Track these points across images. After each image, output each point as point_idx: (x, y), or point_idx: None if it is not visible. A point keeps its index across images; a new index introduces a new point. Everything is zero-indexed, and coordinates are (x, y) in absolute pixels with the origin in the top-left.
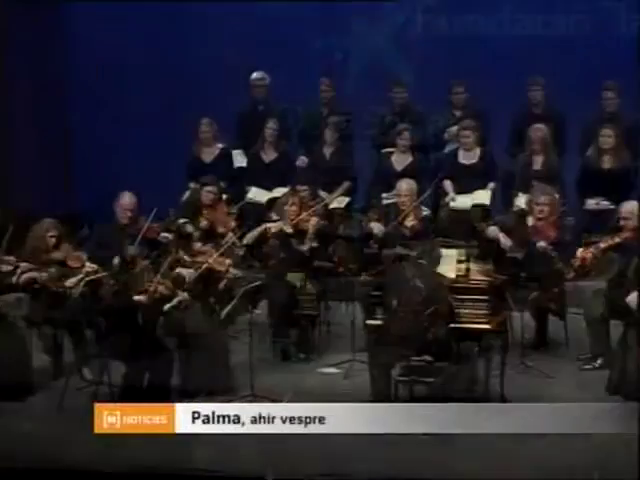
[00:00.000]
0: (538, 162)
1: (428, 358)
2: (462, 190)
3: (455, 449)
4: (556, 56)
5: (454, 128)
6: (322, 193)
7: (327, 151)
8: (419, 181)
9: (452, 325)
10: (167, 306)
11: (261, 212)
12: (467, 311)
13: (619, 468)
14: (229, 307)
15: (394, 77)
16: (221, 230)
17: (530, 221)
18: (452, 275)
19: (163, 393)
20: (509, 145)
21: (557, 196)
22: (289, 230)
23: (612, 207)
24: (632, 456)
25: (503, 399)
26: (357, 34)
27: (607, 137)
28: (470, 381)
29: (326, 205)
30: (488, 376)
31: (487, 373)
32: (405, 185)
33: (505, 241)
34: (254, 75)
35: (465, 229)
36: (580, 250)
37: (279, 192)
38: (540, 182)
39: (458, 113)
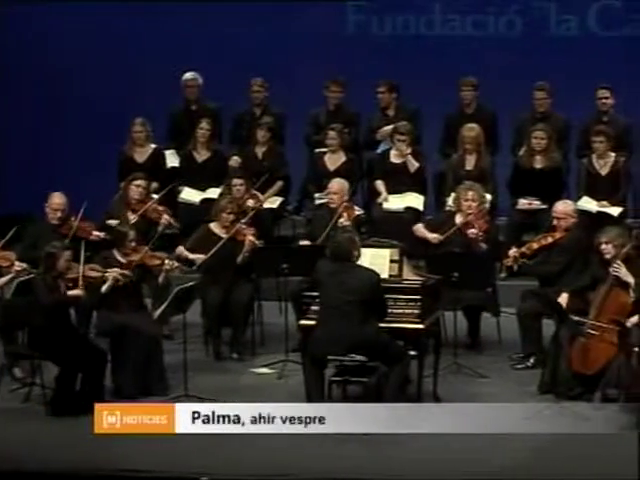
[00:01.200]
0: (471, 162)
1: (361, 358)
2: (394, 190)
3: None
4: (487, 56)
5: (387, 128)
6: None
7: (259, 151)
8: (352, 181)
9: (384, 324)
10: (104, 287)
11: (195, 212)
12: (400, 311)
13: (555, 469)
14: (162, 307)
15: (331, 76)
16: (154, 216)
17: (458, 218)
18: (385, 275)
19: (96, 394)
20: (442, 145)
21: (487, 195)
22: (223, 235)
23: (544, 207)
24: (566, 456)
25: (436, 399)
26: (290, 33)
27: (539, 138)
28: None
29: (260, 204)
30: (421, 376)
31: (420, 373)
32: (336, 185)
33: (430, 236)
34: (186, 75)
35: (398, 229)
36: (512, 250)
37: (212, 192)
38: (472, 182)
39: (391, 113)
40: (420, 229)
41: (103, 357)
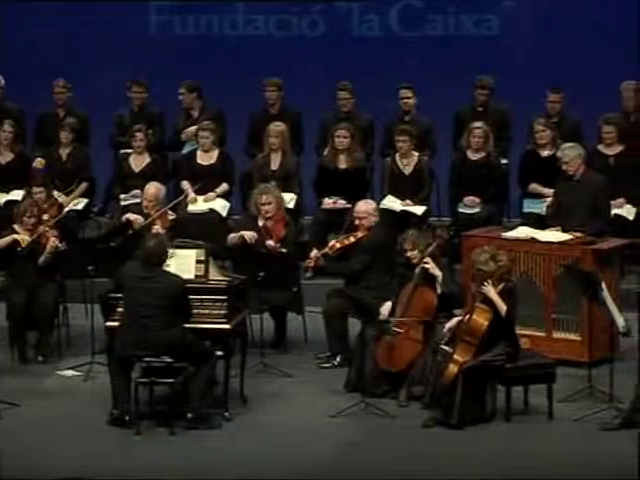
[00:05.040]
0: (276, 162)
1: (166, 359)
2: (201, 191)
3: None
4: (291, 56)
5: (192, 128)
6: (60, 196)
7: (63, 152)
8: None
9: (191, 325)
10: None
11: None
12: (206, 311)
13: (360, 467)
14: None
15: (134, 77)
16: None
17: (260, 221)
18: (191, 275)
19: None
20: (247, 145)
21: (286, 195)
22: (27, 240)
23: (349, 206)
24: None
25: (243, 399)
26: (93, 33)
27: (342, 137)
28: (210, 381)
29: (62, 208)
30: (228, 376)
31: (227, 373)
32: (152, 190)
33: (248, 234)
34: None
35: (202, 231)
36: (314, 251)
37: (16, 194)
38: (278, 182)
39: (195, 113)
40: (234, 238)
41: None
